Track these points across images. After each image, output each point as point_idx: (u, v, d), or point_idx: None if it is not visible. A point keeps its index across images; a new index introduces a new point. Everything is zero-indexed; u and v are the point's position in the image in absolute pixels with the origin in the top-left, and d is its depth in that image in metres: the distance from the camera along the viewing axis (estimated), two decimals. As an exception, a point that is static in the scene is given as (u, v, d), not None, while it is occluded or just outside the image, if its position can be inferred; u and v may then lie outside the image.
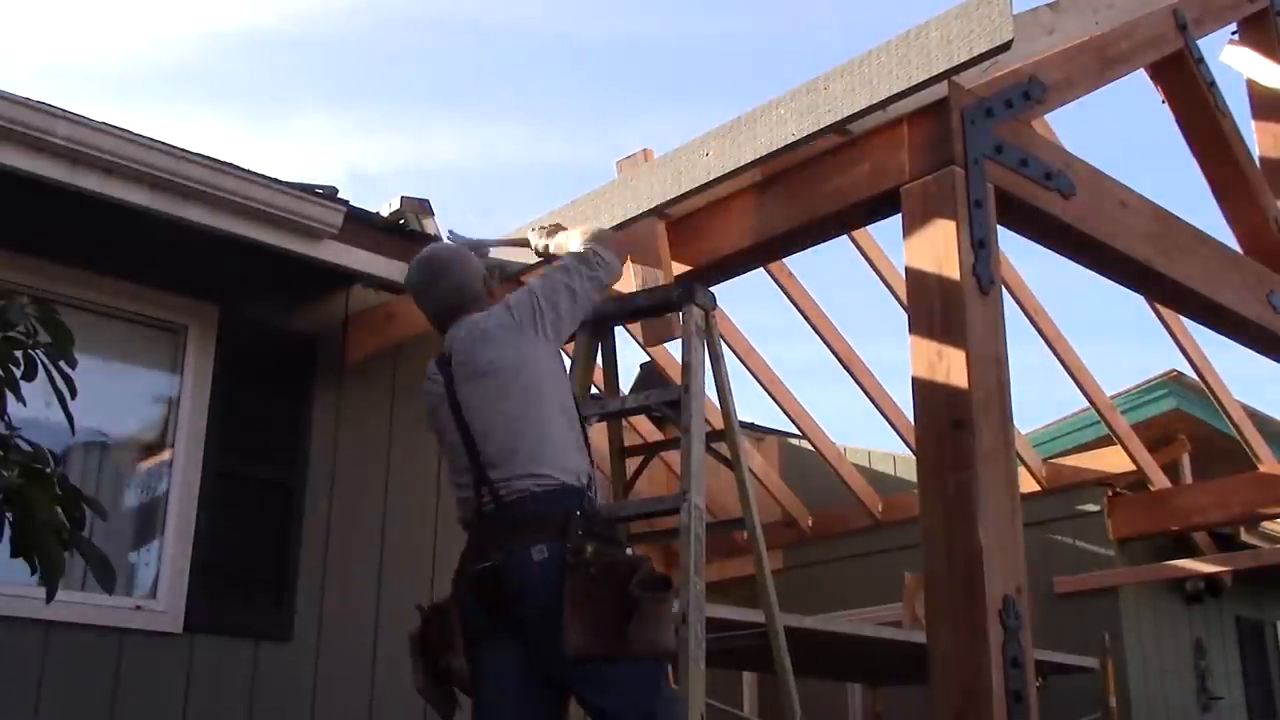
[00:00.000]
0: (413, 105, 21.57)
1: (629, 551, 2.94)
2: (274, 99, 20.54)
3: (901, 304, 5.98)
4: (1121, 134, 17.71)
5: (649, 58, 22.78)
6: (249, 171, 4.08)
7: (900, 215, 3.44)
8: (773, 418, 8.89)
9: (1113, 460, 7.90)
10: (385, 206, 4.86)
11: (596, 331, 3.91)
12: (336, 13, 18.32)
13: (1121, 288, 4.20)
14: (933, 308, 3.24)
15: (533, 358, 3.02)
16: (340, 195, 4.35)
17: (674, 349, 7.59)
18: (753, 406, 15.35)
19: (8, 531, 2.42)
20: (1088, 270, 3.98)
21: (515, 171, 25.75)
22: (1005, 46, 3.05)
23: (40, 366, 2.60)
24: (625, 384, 5.38)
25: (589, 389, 3.95)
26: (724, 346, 4.52)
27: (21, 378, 2.57)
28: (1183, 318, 6.30)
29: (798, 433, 8.60)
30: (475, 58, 21.05)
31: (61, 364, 2.61)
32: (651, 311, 3.94)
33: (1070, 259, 3.90)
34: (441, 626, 2.96)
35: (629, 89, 23.67)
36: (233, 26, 17.84)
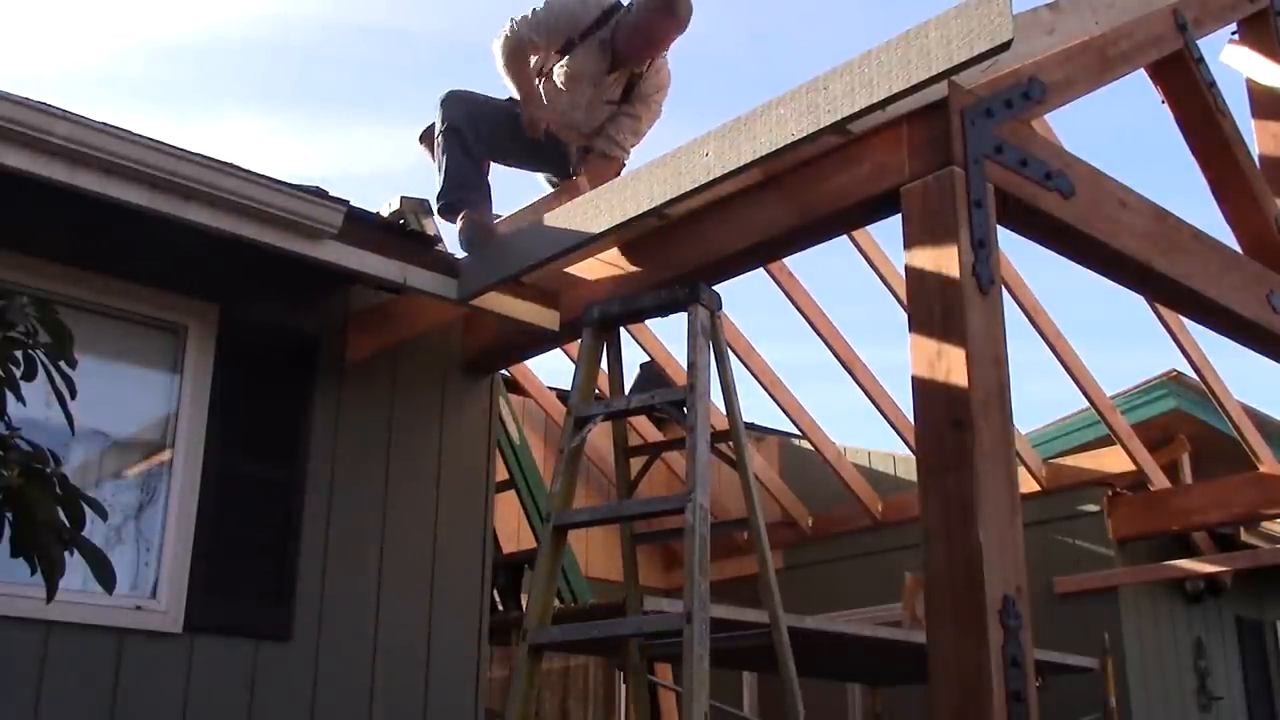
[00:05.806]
0: (336, 110, 21.43)
1: None
2: (192, 105, 20.32)
3: (901, 304, 5.98)
4: (1122, 131, 17.69)
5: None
6: (249, 171, 4.08)
7: (900, 215, 3.44)
8: (773, 418, 8.90)
9: (1113, 460, 7.90)
10: (385, 206, 4.87)
11: (602, 331, 3.91)
12: (245, 19, 18.34)
13: (1121, 288, 4.20)
14: (933, 307, 3.24)
15: None
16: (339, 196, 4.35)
17: (676, 350, 7.63)
18: (753, 406, 15.31)
19: (7, 531, 2.42)
20: (1088, 270, 3.98)
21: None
22: (1005, 46, 3.05)
23: (40, 366, 2.61)
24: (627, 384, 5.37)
25: (594, 388, 3.95)
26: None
27: (21, 378, 2.57)
28: (1183, 318, 6.31)
29: (798, 433, 8.61)
30: (396, 61, 20.96)
31: (61, 364, 2.62)
32: (658, 312, 3.93)
33: (1070, 259, 3.90)
34: None
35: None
36: (142, 34, 17.83)
